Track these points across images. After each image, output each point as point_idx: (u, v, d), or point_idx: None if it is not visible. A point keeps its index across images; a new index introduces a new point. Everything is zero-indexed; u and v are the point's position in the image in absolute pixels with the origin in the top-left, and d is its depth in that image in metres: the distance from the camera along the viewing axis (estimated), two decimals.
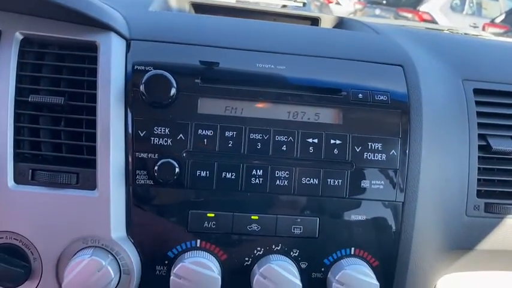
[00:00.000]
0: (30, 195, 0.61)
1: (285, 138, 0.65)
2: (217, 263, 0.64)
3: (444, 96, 0.74)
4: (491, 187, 0.73)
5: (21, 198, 0.61)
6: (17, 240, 0.62)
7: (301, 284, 0.62)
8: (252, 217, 0.65)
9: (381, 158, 0.67)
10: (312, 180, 0.65)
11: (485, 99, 0.75)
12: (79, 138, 0.63)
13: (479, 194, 0.73)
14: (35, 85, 0.63)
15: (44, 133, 0.63)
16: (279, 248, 0.65)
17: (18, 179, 0.62)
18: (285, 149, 0.65)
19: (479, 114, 0.74)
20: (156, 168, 0.62)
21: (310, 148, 0.65)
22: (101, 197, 0.61)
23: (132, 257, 0.62)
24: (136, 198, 0.63)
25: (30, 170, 0.62)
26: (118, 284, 0.61)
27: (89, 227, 0.61)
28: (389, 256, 0.68)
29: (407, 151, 0.67)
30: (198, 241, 0.64)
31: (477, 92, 0.75)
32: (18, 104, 0.62)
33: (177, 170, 0.62)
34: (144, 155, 0.63)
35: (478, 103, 0.75)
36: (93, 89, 0.62)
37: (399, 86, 0.70)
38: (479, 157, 0.73)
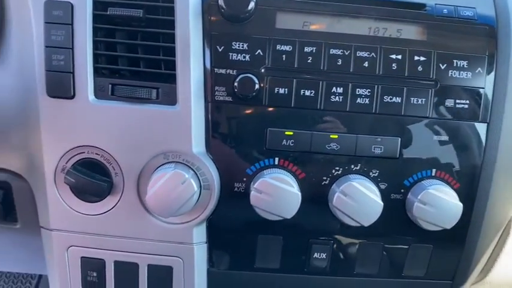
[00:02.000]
0: (111, 109, 0.61)
1: (367, 54, 0.62)
2: (296, 181, 0.63)
3: None
4: None
5: (102, 113, 0.61)
6: (99, 155, 0.62)
7: (382, 203, 0.61)
8: (331, 136, 0.63)
9: (467, 76, 0.63)
10: (394, 99, 0.63)
11: None
12: (156, 53, 0.62)
13: None
14: None
15: (121, 48, 0.63)
16: (358, 168, 0.64)
17: (99, 93, 0.61)
18: (366, 65, 0.62)
19: None
20: (235, 84, 0.61)
21: (393, 65, 0.63)
22: (182, 112, 0.61)
23: (212, 172, 0.62)
24: (215, 115, 0.62)
25: (110, 85, 0.61)
26: (198, 199, 0.62)
27: (170, 141, 0.61)
28: (471, 179, 0.65)
29: (494, 70, 0.64)
30: (277, 159, 0.63)
31: None
32: (95, 18, 0.61)
33: (256, 86, 0.61)
34: (223, 71, 0.61)
35: None
36: (171, 2, 0.61)
37: (486, 1, 0.66)
38: None
